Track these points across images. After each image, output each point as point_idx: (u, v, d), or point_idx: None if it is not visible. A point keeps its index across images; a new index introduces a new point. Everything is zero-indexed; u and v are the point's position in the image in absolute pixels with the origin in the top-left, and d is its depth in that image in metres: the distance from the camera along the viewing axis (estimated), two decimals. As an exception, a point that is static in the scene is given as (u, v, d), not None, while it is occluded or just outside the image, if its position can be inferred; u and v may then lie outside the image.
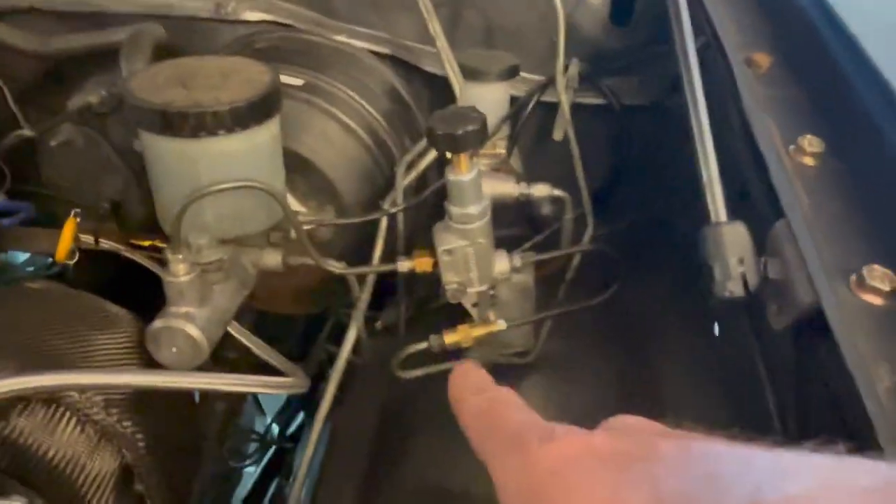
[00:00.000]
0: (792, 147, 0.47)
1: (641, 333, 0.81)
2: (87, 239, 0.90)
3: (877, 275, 0.36)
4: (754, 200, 0.48)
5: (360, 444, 0.78)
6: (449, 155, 0.61)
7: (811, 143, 0.46)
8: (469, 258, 0.66)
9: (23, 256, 1.19)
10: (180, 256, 0.62)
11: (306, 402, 1.22)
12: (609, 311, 0.83)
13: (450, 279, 0.67)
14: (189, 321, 0.62)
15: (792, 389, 0.41)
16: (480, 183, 0.64)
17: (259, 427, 1.31)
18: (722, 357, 0.69)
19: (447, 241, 0.65)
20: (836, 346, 0.35)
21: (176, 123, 0.59)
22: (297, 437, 1.35)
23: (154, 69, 0.65)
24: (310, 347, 1.10)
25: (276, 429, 1.34)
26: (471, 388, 0.32)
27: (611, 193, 0.94)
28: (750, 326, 0.56)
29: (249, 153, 0.63)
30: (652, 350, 0.77)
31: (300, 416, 1.38)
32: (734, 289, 0.41)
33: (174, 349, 0.63)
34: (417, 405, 0.82)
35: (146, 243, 0.96)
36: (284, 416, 1.37)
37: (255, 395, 1.43)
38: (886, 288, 0.36)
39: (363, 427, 0.79)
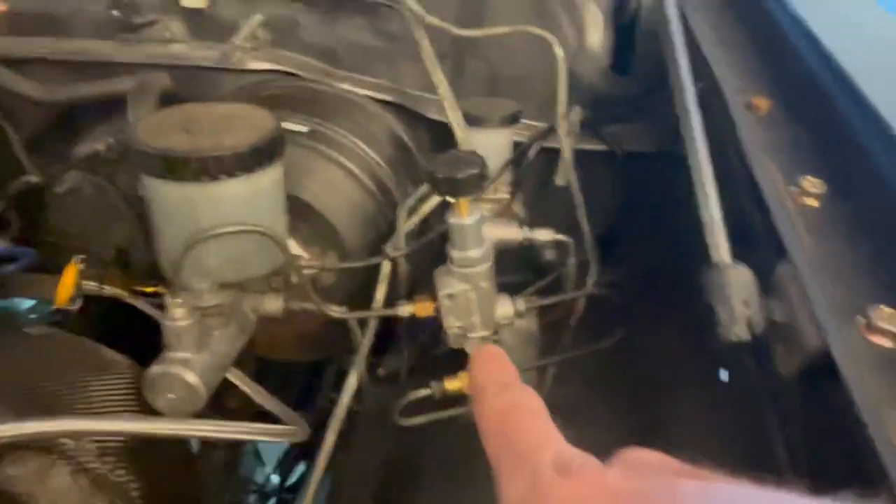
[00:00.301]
0: (793, 188, 0.46)
1: (648, 381, 0.80)
2: (91, 286, 0.90)
3: (885, 315, 0.35)
4: (757, 243, 0.47)
5: (363, 493, 0.76)
6: (450, 199, 0.61)
7: (813, 185, 0.46)
8: (471, 302, 0.65)
9: (26, 303, 1.19)
10: (179, 300, 0.61)
11: (307, 451, 1.20)
12: (614, 358, 0.81)
13: (451, 324, 0.67)
14: (186, 367, 0.62)
15: (801, 435, 0.40)
16: (482, 227, 0.64)
17: (259, 478, 1.28)
18: (730, 404, 0.67)
19: (448, 284, 0.65)
20: (845, 390, 0.34)
21: (178, 168, 0.59)
22: (298, 488, 1.32)
23: (159, 115, 0.66)
24: (312, 397, 1.09)
25: (275, 479, 1.32)
26: (494, 379, 0.31)
27: (614, 240, 0.94)
28: (758, 371, 0.55)
29: (251, 198, 0.63)
30: (658, 398, 0.75)
31: (301, 467, 1.35)
32: (740, 332, 0.40)
33: (171, 395, 0.62)
34: (420, 454, 0.80)
35: (150, 290, 0.96)
36: (284, 466, 1.35)
37: (255, 446, 1.41)
38: (894, 330, 0.35)
39: (365, 476, 0.78)
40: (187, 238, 0.61)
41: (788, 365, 0.40)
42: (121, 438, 0.63)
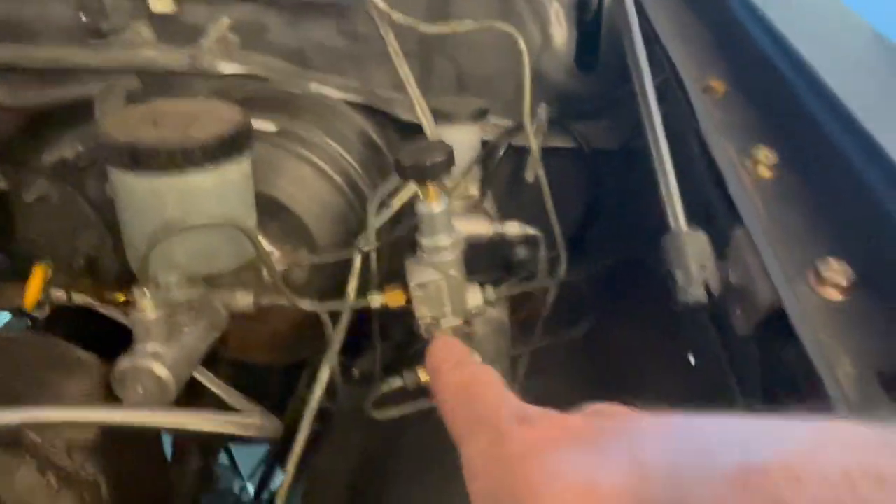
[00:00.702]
0: (748, 161, 0.48)
1: (619, 371, 0.81)
2: (60, 294, 0.89)
3: (833, 268, 0.37)
4: (714, 215, 0.49)
5: (337, 489, 0.76)
6: (418, 186, 0.62)
7: (766, 156, 0.47)
8: (442, 291, 0.66)
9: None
10: (147, 293, 0.61)
11: (282, 457, 1.19)
12: (586, 349, 0.83)
13: (423, 314, 0.67)
14: (156, 360, 0.61)
15: (761, 393, 0.41)
16: (449, 215, 0.64)
17: (235, 488, 1.27)
18: (699, 387, 0.68)
19: (419, 274, 0.65)
20: (798, 342, 0.35)
21: (145, 159, 0.59)
22: (272, 500, 1.30)
23: (127, 111, 0.66)
24: (286, 401, 1.08)
25: (251, 488, 1.30)
26: (450, 360, 0.31)
27: (584, 235, 0.95)
28: (717, 340, 0.56)
29: (220, 190, 0.64)
30: (629, 387, 0.76)
31: (277, 480, 1.34)
32: (696, 294, 0.41)
33: (140, 389, 0.62)
34: (395, 449, 0.80)
35: (122, 298, 0.95)
36: (260, 476, 1.33)
37: (230, 457, 1.39)
38: (843, 283, 0.37)
39: (339, 473, 0.77)
40: (155, 231, 0.61)
41: (746, 325, 0.41)
42: (89, 435, 0.62)
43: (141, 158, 0.59)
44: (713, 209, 0.49)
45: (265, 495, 1.30)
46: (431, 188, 0.61)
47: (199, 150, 0.60)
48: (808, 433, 0.20)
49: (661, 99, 0.62)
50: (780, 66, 0.53)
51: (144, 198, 0.62)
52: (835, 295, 0.36)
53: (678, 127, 0.58)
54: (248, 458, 1.32)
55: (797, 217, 0.43)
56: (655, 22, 0.72)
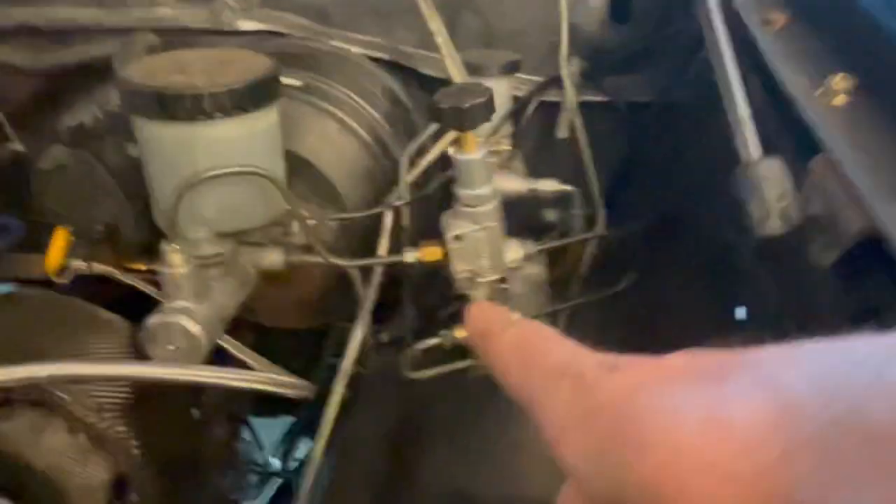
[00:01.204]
0: (820, 89, 0.44)
1: (658, 331, 0.78)
2: (80, 264, 0.87)
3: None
4: (782, 150, 0.46)
5: (372, 455, 0.74)
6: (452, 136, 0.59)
7: (840, 83, 0.44)
8: (480, 244, 0.63)
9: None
10: (177, 246, 0.58)
11: (308, 427, 1.17)
12: (624, 308, 0.80)
13: (460, 268, 0.64)
14: (188, 316, 0.59)
15: (848, 324, 0.38)
16: (488, 163, 0.62)
17: (259, 460, 1.25)
18: (751, 343, 0.65)
19: (457, 226, 0.63)
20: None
21: (173, 106, 0.57)
22: (299, 470, 1.29)
23: (152, 59, 0.64)
24: (312, 369, 1.06)
25: (276, 463, 1.29)
26: (497, 321, 0.28)
27: (617, 192, 0.92)
28: (782, 295, 0.53)
29: (248, 140, 0.61)
30: (674, 343, 0.73)
31: (300, 450, 1.32)
32: (774, 225, 0.38)
33: (171, 347, 0.59)
34: (430, 414, 0.78)
35: (143, 268, 0.93)
36: (284, 449, 1.32)
37: (252, 431, 1.38)
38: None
39: (374, 438, 0.75)
40: (183, 182, 0.59)
41: (827, 256, 0.38)
42: (120, 394, 0.60)
43: (168, 105, 0.57)
44: (781, 141, 0.46)
45: (290, 467, 1.29)
46: (470, 136, 0.58)
47: (228, 96, 0.57)
48: None
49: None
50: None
51: (171, 147, 0.59)
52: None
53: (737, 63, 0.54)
54: (270, 433, 1.30)
55: (879, 141, 0.40)
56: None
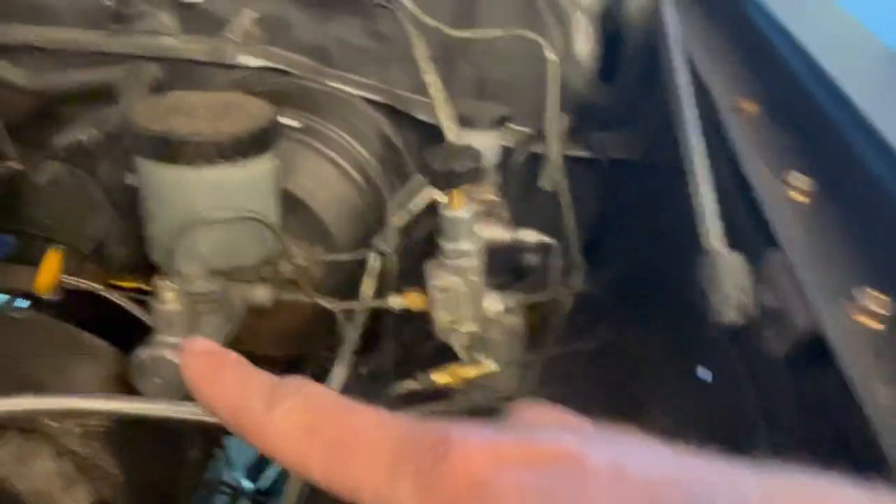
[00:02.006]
0: (782, 184, 0.48)
1: (632, 381, 0.81)
2: (67, 279, 0.89)
3: (872, 298, 0.37)
4: (745, 235, 0.49)
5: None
6: (444, 192, 0.63)
7: (801, 181, 0.48)
8: (461, 296, 0.66)
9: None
10: (171, 284, 0.61)
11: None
12: (599, 358, 0.83)
13: (441, 317, 0.67)
14: (176, 350, 0.61)
15: (791, 416, 0.42)
16: (473, 220, 0.65)
17: (228, 480, 1.27)
18: (713, 401, 0.69)
19: (440, 277, 0.66)
20: (837, 366, 0.35)
21: (176, 151, 0.59)
22: (270, 491, 1.31)
23: (155, 100, 0.66)
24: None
25: (247, 484, 1.30)
26: (254, 391, 0.20)
27: (598, 246, 0.96)
28: (741, 360, 0.57)
29: (247, 185, 0.64)
30: (643, 397, 0.77)
31: (270, 470, 1.34)
32: (733, 316, 0.42)
33: (158, 380, 0.62)
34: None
35: (129, 285, 0.95)
36: (254, 471, 1.33)
37: (224, 449, 1.39)
38: (883, 312, 0.37)
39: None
40: (181, 223, 0.61)
41: (779, 347, 0.41)
42: (106, 423, 0.62)
43: (171, 150, 0.59)
44: (742, 230, 0.49)
45: (261, 487, 1.30)
46: (458, 194, 0.62)
47: (231, 143, 0.60)
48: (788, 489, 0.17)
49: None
50: (813, 91, 0.54)
51: (172, 189, 0.62)
52: (874, 324, 0.37)
53: (705, 144, 0.58)
54: (242, 453, 1.31)
55: (834, 244, 0.43)
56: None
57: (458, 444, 0.18)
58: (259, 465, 1.34)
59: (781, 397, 0.45)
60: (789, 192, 0.47)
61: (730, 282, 0.43)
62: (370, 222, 0.86)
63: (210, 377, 0.21)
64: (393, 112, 0.94)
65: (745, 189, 0.49)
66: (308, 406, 0.20)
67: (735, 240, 0.48)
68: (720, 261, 0.43)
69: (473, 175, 0.60)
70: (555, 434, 0.19)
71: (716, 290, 0.43)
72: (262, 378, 0.21)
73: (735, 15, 0.69)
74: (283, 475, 1.27)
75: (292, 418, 0.20)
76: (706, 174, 0.47)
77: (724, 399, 0.65)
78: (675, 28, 0.61)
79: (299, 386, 0.21)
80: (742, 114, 0.57)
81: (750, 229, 0.48)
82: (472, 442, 0.18)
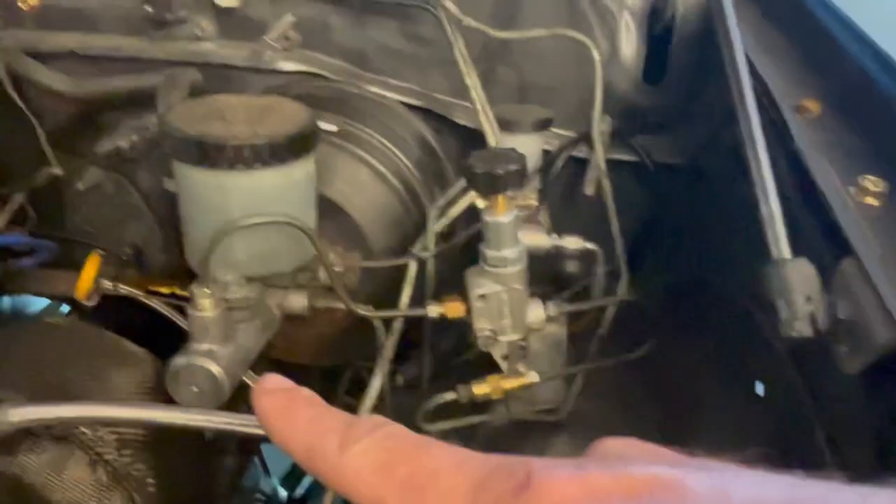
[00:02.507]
0: (852, 188, 0.45)
1: (677, 393, 0.78)
2: (106, 284, 0.89)
3: (964, 311, 0.34)
4: (812, 243, 0.46)
5: None
6: (485, 198, 0.60)
7: (873, 184, 0.44)
8: (503, 304, 0.64)
9: (37, 305, 1.17)
10: (207, 291, 0.60)
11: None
12: (643, 369, 0.80)
13: (482, 326, 0.65)
14: (212, 359, 0.60)
15: (865, 433, 0.38)
16: (517, 226, 0.62)
17: (265, 488, 1.26)
18: (765, 417, 0.65)
19: (481, 285, 0.63)
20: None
21: (213, 155, 0.58)
22: (305, 500, 1.29)
23: (193, 103, 0.65)
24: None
25: (282, 492, 1.29)
26: (328, 431, 0.20)
27: (640, 252, 0.93)
28: (802, 383, 0.53)
29: (284, 189, 0.62)
30: (689, 411, 0.73)
31: (306, 480, 1.33)
32: (802, 328, 0.39)
33: (194, 388, 0.60)
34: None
35: (166, 290, 0.94)
36: (290, 479, 1.32)
37: (261, 455, 1.38)
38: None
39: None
40: (218, 228, 0.60)
41: (854, 365, 0.38)
42: (140, 432, 0.61)
43: (209, 153, 0.58)
44: (809, 237, 0.46)
45: (296, 495, 1.29)
46: (501, 199, 0.59)
47: (268, 148, 0.59)
48: None
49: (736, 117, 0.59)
50: (882, 89, 0.50)
51: (209, 193, 0.61)
52: (965, 339, 0.33)
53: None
54: (279, 461, 1.30)
55: (912, 250, 0.40)
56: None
57: (542, 478, 0.17)
58: (295, 472, 1.33)
59: (852, 418, 0.42)
60: (860, 196, 0.44)
61: (799, 292, 0.39)
62: (408, 228, 0.84)
63: (283, 415, 0.21)
64: (432, 116, 0.93)
65: (811, 193, 0.46)
66: (383, 445, 0.19)
67: (801, 248, 0.45)
68: (788, 269, 0.40)
69: (518, 179, 0.57)
70: (647, 463, 0.18)
71: (783, 300, 0.40)
72: (336, 416, 0.21)
73: (792, 7, 0.66)
74: (317, 484, 1.26)
75: (367, 457, 0.19)
76: (771, 178, 0.44)
77: (779, 416, 0.61)
78: (735, 25, 0.57)
79: (375, 424, 0.20)
80: (805, 113, 0.54)
81: (817, 236, 0.45)
82: (558, 475, 0.17)
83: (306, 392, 0.22)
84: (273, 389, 0.22)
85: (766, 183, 0.44)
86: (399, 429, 0.20)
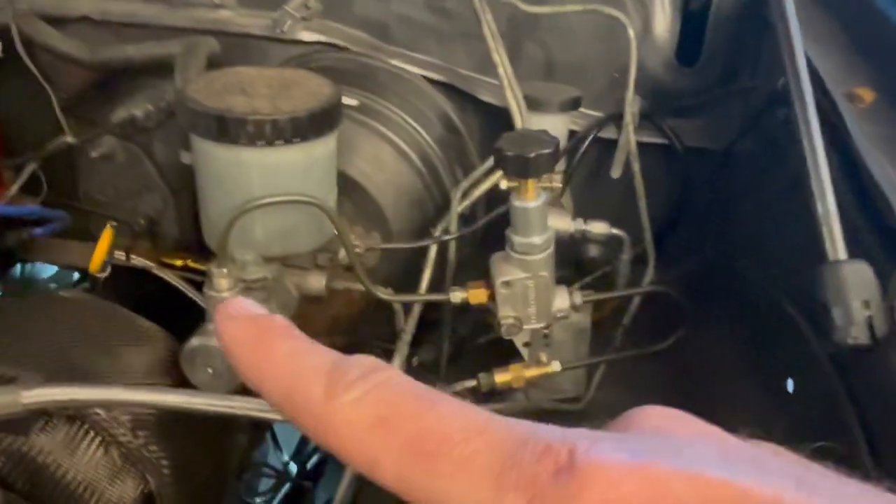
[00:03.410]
0: (913, 186, 0.42)
1: (702, 384, 0.76)
2: (119, 255, 0.87)
3: None
4: (862, 244, 0.43)
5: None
6: (511, 182, 0.58)
7: (935, 181, 0.41)
8: (528, 292, 0.62)
9: (48, 271, 1.16)
10: (225, 270, 0.58)
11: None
12: (666, 359, 0.78)
13: (506, 313, 0.63)
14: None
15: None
16: (546, 212, 0.60)
17: (275, 463, 1.25)
18: (797, 416, 0.63)
19: (507, 272, 0.61)
20: None
21: (233, 130, 0.56)
22: (317, 474, 1.29)
23: (212, 75, 0.63)
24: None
25: (293, 467, 1.29)
26: (317, 371, 0.16)
27: (667, 237, 0.90)
28: (842, 386, 0.51)
29: (305, 167, 0.60)
30: (715, 402, 0.71)
31: (318, 454, 1.32)
32: (859, 335, 0.36)
33: (209, 370, 0.59)
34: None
35: (179, 262, 0.93)
36: (301, 454, 1.32)
37: (272, 433, 1.38)
38: None
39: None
40: (237, 206, 0.58)
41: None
42: (155, 412, 0.59)
43: (228, 129, 0.56)
44: (864, 238, 0.43)
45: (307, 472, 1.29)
46: (531, 183, 0.57)
47: (289, 124, 0.57)
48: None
49: (783, 103, 0.56)
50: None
51: (228, 170, 0.59)
52: None
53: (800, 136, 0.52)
54: (291, 436, 1.30)
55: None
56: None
57: (591, 460, 0.13)
58: (307, 451, 1.32)
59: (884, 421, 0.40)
60: (922, 195, 0.41)
61: (855, 296, 0.37)
62: (428, 208, 0.82)
63: (256, 349, 0.17)
64: (455, 93, 0.90)
65: (867, 189, 0.43)
66: (381, 396, 0.16)
67: (856, 249, 0.43)
68: (845, 272, 0.38)
69: (550, 164, 0.55)
70: (723, 461, 0.14)
71: (839, 304, 0.37)
72: (320, 353, 0.17)
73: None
74: (330, 458, 1.26)
75: (361, 410, 0.16)
76: (828, 174, 0.41)
77: (811, 416, 0.59)
78: (791, 6, 0.54)
79: (369, 367, 0.16)
80: (857, 102, 0.51)
81: (873, 237, 0.42)
82: (610, 460, 0.13)
83: (281, 320, 0.18)
84: (240, 315, 0.18)
85: (822, 179, 0.41)
86: (397, 375, 0.16)
